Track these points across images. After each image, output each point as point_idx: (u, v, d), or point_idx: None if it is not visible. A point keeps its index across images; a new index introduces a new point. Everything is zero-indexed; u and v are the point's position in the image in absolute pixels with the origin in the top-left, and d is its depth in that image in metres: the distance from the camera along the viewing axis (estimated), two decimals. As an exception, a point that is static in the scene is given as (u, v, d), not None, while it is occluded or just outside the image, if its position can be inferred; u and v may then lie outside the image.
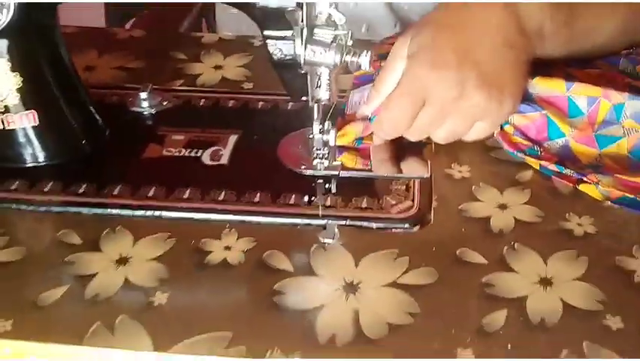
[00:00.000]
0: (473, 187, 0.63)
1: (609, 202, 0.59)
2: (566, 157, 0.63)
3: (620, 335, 0.49)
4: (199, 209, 0.60)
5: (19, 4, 0.58)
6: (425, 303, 0.51)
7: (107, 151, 0.68)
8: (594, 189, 0.60)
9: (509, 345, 0.48)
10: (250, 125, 0.71)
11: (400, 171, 0.64)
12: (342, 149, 0.66)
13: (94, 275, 0.54)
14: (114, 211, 0.60)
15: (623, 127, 0.64)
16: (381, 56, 0.67)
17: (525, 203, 0.61)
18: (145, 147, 0.68)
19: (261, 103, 0.74)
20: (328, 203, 0.61)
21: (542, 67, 0.68)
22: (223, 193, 0.62)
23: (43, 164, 0.65)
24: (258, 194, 0.61)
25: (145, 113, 0.73)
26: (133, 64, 0.81)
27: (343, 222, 0.59)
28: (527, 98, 0.66)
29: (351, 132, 0.66)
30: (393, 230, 0.58)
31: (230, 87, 0.77)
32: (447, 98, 0.59)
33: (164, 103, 0.74)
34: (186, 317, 0.51)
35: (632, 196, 0.58)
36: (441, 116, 0.60)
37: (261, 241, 0.57)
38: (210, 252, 0.56)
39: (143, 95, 0.73)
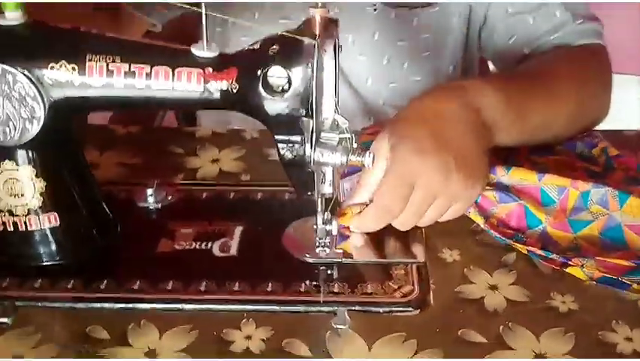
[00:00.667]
0: (465, 270, 0.69)
1: (593, 282, 0.66)
2: (547, 242, 0.70)
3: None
4: (217, 300, 0.65)
5: (49, 116, 0.62)
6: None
7: (122, 247, 0.72)
8: (579, 271, 0.66)
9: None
10: (253, 216, 0.76)
11: (398, 256, 0.70)
12: (343, 237, 0.71)
13: (128, 369, 0.58)
14: (138, 306, 0.64)
15: (590, 212, 0.72)
16: (364, 144, 0.74)
17: (513, 283, 0.67)
18: (157, 242, 0.72)
19: (260, 194, 0.80)
20: (336, 289, 0.66)
21: (506, 152, 0.77)
22: (237, 284, 0.66)
23: (61, 262, 0.69)
24: (270, 283, 0.66)
25: (152, 207, 0.78)
26: (134, 160, 0.86)
27: (352, 308, 0.64)
28: (505, 189, 0.73)
29: (350, 212, 0.71)
30: (400, 312, 0.64)
31: (229, 180, 0.83)
32: (434, 180, 0.66)
33: (169, 197, 0.79)
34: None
35: (614, 277, 0.65)
36: (431, 198, 0.66)
37: (278, 329, 0.62)
38: (232, 342, 0.61)
39: (150, 191, 0.78)
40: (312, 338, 0.61)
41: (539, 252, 0.69)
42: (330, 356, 0.59)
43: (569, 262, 0.67)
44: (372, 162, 0.64)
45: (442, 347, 0.60)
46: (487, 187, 0.73)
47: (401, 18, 0.98)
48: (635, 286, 0.65)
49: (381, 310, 0.64)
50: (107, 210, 0.73)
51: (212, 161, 0.86)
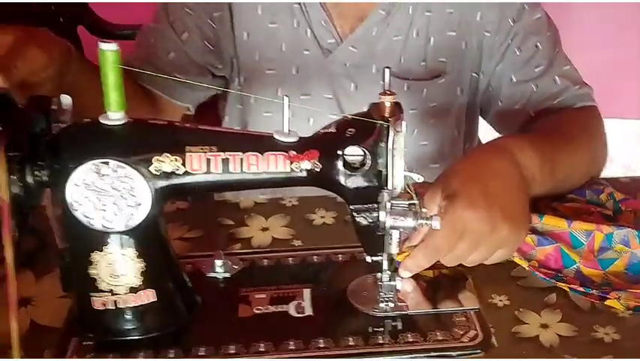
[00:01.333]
0: (515, 312, 0.78)
1: (630, 311, 0.76)
2: (583, 280, 0.81)
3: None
4: (307, 357, 0.72)
5: (153, 203, 0.70)
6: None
7: (206, 316, 0.79)
8: (617, 303, 0.77)
9: None
10: (315, 278, 0.85)
11: (454, 306, 0.79)
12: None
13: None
14: (239, 366, 0.71)
15: (615, 251, 0.83)
16: None
17: (560, 321, 0.77)
18: (236, 308, 0.80)
19: (315, 257, 0.88)
20: (410, 339, 0.74)
21: (532, 202, 0.87)
22: (321, 341, 0.74)
23: (157, 334, 0.76)
24: (350, 338, 0.75)
25: (220, 277, 0.85)
26: (190, 233, 0.93)
27: (429, 355, 0.72)
28: (540, 234, 0.84)
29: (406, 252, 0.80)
30: (470, 354, 0.73)
31: (283, 245, 0.91)
32: (481, 231, 0.76)
33: (235, 266, 0.86)
34: None
35: None
36: (475, 246, 0.77)
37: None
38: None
39: (219, 262, 0.85)
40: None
41: (580, 288, 0.79)
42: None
43: (607, 296, 0.78)
44: (439, 224, 0.73)
45: (516, 382, 0.69)
46: None
47: (412, 89, 1.10)
48: None
49: (454, 353, 0.73)
50: (189, 283, 0.80)
51: (262, 229, 0.94)
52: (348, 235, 0.82)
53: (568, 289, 0.80)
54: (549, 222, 0.85)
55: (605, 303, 0.78)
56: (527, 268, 0.83)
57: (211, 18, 1.10)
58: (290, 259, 0.89)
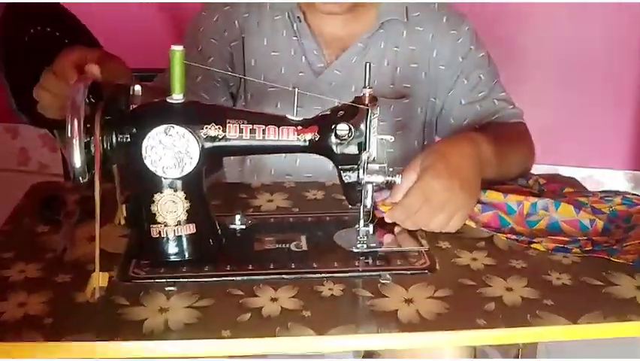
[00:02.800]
0: (455, 251, 1.09)
1: (550, 251, 1.07)
2: (516, 234, 1.12)
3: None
4: (306, 272, 1.02)
5: (200, 159, 1.00)
6: (450, 304, 0.95)
7: (228, 249, 1.08)
8: (539, 245, 1.08)
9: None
10: (309, 230, 1.14)
11: (412, 246, 1.09)
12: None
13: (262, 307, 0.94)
14: (255, 277, 1.00)
15: (539, 215, 1.15)
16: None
17: (486, 256, 1.07)
18: (252, 245, 1.09)
19: (309, 218, 1.18)
20: (378, 263, 1.04)
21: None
22: (314, 264, 1.04)
23: (192, 258, 1.04)
24: (335, 263, 1.04)
25: (238, 228, 1.14)
26: (215, 201, 1.22)
27: (392, 272, 1.02)
28: (484, 203, 1.15)
29: (388, 205, 1.11)
30: (420, 274, 1.03)
31: (285, 212, 1.21)
32: (443, 196, 1.06)
33: (249, 222, 1.16)
34: None
35: (561, 245, 1.07)
36: (438, 209, 1.07)
37: (348, 285, 0.99)
38: (321, 292, 0.97)
39: (238, 216, 1.15)
40: (370, 288, 0.99)
41: (513, 237, 1.10)
42: (384, 296, 0.97)
43: (534, 240, 1.09)
44: (400, 180, 1.04)
45: (449, 288, 0.99)
46: None
47: (382, 106, 1.40)
48: (574, 249, 1.07)
49: (408, 272, 1.03)
50: (217, 225, 1.10)
51: (268, 201, 1.25)
52: (333, 206, 1.14)
53: (505, 238, 1.11)
54: (490, 196, 1.17)
55: (532, 246, 1.09)
56: (475, 226, 1.13)
57: (230, 46, 1.43)
58: (290, 218, 1.19)
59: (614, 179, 2.88)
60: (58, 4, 2.20)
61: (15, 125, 3.11)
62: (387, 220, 1.10)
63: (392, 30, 1.41)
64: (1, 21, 2.04)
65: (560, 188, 1.24)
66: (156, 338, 0.88)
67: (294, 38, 1.41)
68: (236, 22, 1.43)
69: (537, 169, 1.40)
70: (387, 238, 1.11)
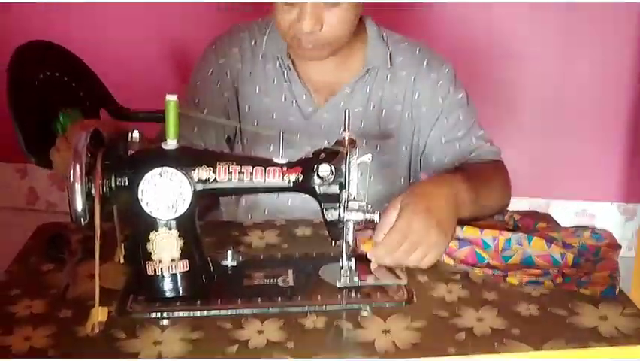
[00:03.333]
0: (431, 284, 1.16)
1: (523, 284, 1.14)
2: (491, 268, 1.19)
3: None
4: (290, 305, 1.09)
5: (192, 199, 1.08)
6: (424, 334, 1.02)
7: (219, 285, 1.15)
8: (513, 278, 1.15)
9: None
10: (296, 265, 1.22)
11: (392, 280, 1.17)
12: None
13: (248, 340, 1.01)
14: (244, 311, 1.08)
15: (512, 250, 1.22)
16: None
17: (461, 288, 1.14)
18: (242, 281, 1.17)
19: (297, 254, 1.26)
20: (360, 296, 1.12)
21: (458, 221, 1.26)
22: (299, 297, 1.11)
23: (185, 293, 1.12)
24: (319, 296, 1.12)
25: (229, 265, 1.22)
26: (210, 238, 1.30)
27: (371, 305, 1.09)
28: (461, 240, 1.23)
29: (370, 244, 1.18)
30: (398, 306, 1.10)
31: (274, 250, 1.29)
32: (420, 234, 1.13)
33: (240, 258, 1.23)
34: None
35: (533, 279, 1.15)
36: (415, 246, 1.14)
37: (331, 317, 1.07)
38: (304, 324, 1.05)
39: (230, 253, 1.22)
40: (351, 320, 1.06)
41: (489, 271, 1.18)
42: (364, 328, 1.04)
43: (507, 274, 1.16)
44: (379, 218, 1.11)
45: (425, 319, 1.06)
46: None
47: (369, 145, 1.50)
48: (546, 282, 1.14)
49: (386, 304, 1.10)
50: (210, 262, 1.17)
51: (259, 238, 1.32)
52: (320, 243, 1.22)
53: (481, 273, 1.18)
54: (467, 232, 1.24)
55: (507, 280, 1.16)
56: (453, 264, 1.21)
57: (223, 96, 1.52)
58: (279, 254, 1.26)
59: (607, 212, 2.94)
60: (66, 49, 2.32)
61: (24, 165, 3.21)
62: (370, 259, 1.17)
63: (377, 75, 1.50)
64: (12, 66, 2.15)
65: (533, 223, 1.31)
66: (150, 368, 0.96)
67: (285, 84, 1.50)
68: (228, 73, 1.52)
69: (531, 203, 1.47)
70: (368, 274, 1.18)
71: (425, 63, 1.51)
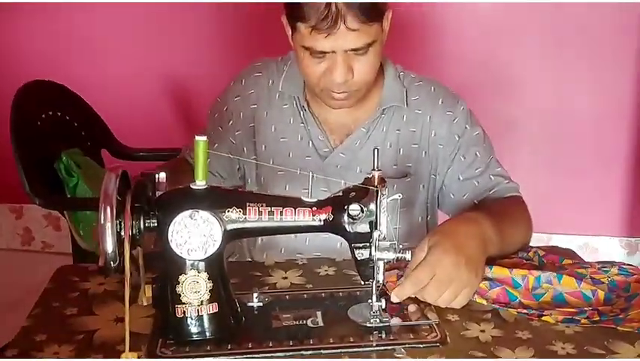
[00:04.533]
0: (463, 323, 1.14)
1: (559, 323, 1.13)
2: (525, 308, 1.18)
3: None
4: (321, 348, 1.07)
5: (223, 241, 1.06)
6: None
7: (248, 327, 1.13)
8: (549, 317, 1.14)
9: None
10: (324, 306, 1.20)
11: (423, 320, 1.15)
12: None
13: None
14: (276, 354, 1.06)
15: (543, 288, 1.21)
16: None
17: (494, 328, 1.13)
18: (270, 322, 1.14)
19: (323, 294, 1.24)
20: (392, 337, 1.10)
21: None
22: (331, 339, 1.09)
23: (214, 336, 1.10)
24: (351, 338, 1.10)
25: (256, 306, 1.20)
26: (233, 280, 1.28)
27: (405, 346, 1.07)
28: (491, 280, 1.21)
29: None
30: (432, 347, 1.08)
31: (299, 288, 1.27)
32: (449, 272, 1.12)
33: (266, 299, 1.21)
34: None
35: (570, 317, 1.13)
36: (445, 284, 1.13)
37: (365, 358, 1.05)
38: (341, 366, 1.03)
39: (256, 294, 1.20)
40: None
41: (524, 311, 1.16)
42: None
43: (543, 313, 1.15)
44: (410, 257, 1.10)
45: (461, 359, 1.04)
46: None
47: (387, 184, 1.49)
48: (582, 320, 1.13)
49: (421, 346, 1.08)
50: (237, 303, 1.15)
51: (282, 278, 1.30)
52: (345, 282, 1.21)
53: (515, 313, 1.17)
54: (496, 272, 1.23)
55: (542, 318, 1.15)
56: (486, 304, 1.19)
57: (236, 135, 1.51)
58: (305, 295, 1.24)
59: (610, 246, 2.94)
60: (67, 88, 2.31)
61: (20, 205, 3.18)
62: (394, 300, 1.15)
63: (393, 114, 1.50)
64: (15, 106, 2.14)
65: (558, 259, 1.31)
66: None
67: (301, 125, 1.50)
68: (241, 114, 1.52)
69: (533, 237, 1.47)
70: (399, 315, 1.16)
71: (440, 101, 1.52)
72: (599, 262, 1.29)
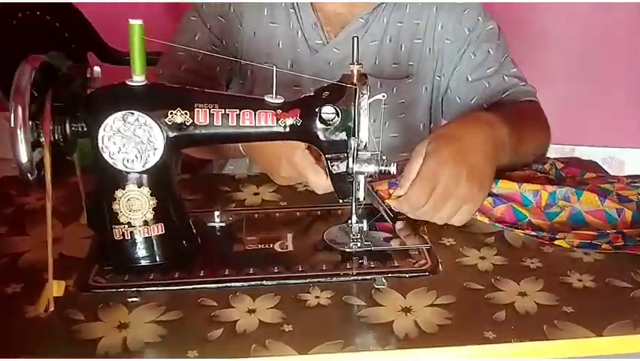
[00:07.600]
0: (460, 249, 0.96)
1: (575, 248, 0.94)
2: (534, 228, 0.98)
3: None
4: (289, 277, 0.89)
5: (165, 149, 0.88)
6: (454, 313, 0.82)
7: (205, 251, 0.96)
8: (563, 242, 0.95)
9: (513, 326, 0.80)
10: (297, 226, 1.02)
11: (412, 244, 0.97)
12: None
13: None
14: (232, 284, 0.88)
15: (559, 206, 1.01)
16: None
17: (496, 255, 0.94)
18: (232, 246, 0.97)
19: (298, 213, 1.06)
20: (372, 265, 0.92)
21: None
22: (300, 266, 0.91)
23: (163, 261, 0.92)
24: (324, 265, 0.92)
25: (218, 226, 1.02)
26: (193, 196, 1.10)
27: (387, 275, 0.89)
28: (496, 196, 1.02)
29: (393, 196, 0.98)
30: (420, 276, 0.90)
31: (271, 206, 1.08)
32: (447, 186, 0.93)
33: (230, 218, 1.03)
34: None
35: (587, 241, 0.94)
36: (443, 200, 0.93)
37: (338, 291, 0.87)
38: (307, 300, 0.85)
39: (217, 213, 1.02)
40: (362, 295, 0.86)
41: (533, 233, 0.97)
42: (379, 305, 0.84)
43: (556, 237, 0.95)
44: (396, 171, 0.91)
45: (453, 293, 0.86)
46: None
47: (385, 86, 1.28)
48: (603, 245, 0.94)
49: (407, 275, 0.90)
50: (192, 224, 0.97)
51: (254, 194, 1.12)
52: (326, 199, 1.02)
53: (523, 235, 0.98)
54: (503, 186, 1.03)
55: (555, 243, 0.95)
56: (489, 223, 1.00)
57: (219, 20, 1.29)
58: (277, 214, 1.06)
59: (638, 159, 2.74)
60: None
61: None
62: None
63: (395, 5, 1.28)
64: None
65: (579, 172, 1.10)
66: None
67: (292, 10, 1.28)
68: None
69: (554, 150, 1.27)
70: (389, 236, 0.98)
71: None
72: (627, 177, 1.09)
